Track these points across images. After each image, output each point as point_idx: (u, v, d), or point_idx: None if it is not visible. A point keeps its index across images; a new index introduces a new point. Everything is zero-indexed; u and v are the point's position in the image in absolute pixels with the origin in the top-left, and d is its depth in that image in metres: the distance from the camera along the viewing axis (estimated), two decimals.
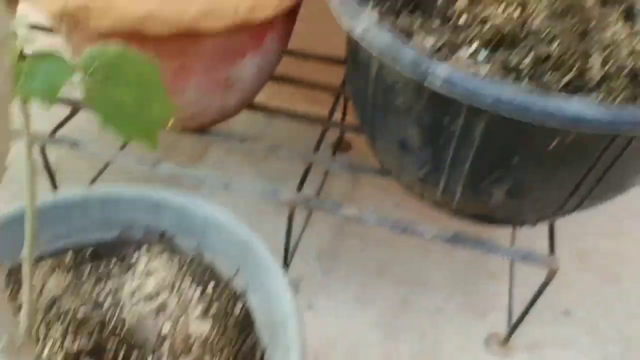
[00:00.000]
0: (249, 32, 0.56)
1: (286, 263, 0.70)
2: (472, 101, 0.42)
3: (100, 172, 0.73)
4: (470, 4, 0.52)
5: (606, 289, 0.77)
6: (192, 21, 0.50)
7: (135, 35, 0.51)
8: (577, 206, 0.53)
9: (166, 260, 0.48)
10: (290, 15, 0.62)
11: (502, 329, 0.71)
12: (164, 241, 0.49)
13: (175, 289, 0.46)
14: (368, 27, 0.46)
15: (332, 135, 0.90)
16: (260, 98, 0.75)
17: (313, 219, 0.82)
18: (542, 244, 0.84)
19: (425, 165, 0.53)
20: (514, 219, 0.60)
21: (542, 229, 0.85)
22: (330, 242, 0.82)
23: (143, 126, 0.43)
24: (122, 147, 0.73)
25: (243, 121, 1.00)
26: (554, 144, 0.45)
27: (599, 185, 0.50)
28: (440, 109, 0.47)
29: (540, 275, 0.61)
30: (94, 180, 0.73)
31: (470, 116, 0.46)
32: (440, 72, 0.42)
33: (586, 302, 0.76)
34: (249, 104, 0.75)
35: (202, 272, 0.47)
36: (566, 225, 0.86)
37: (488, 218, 0.59)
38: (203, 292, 0.46)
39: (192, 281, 0.47)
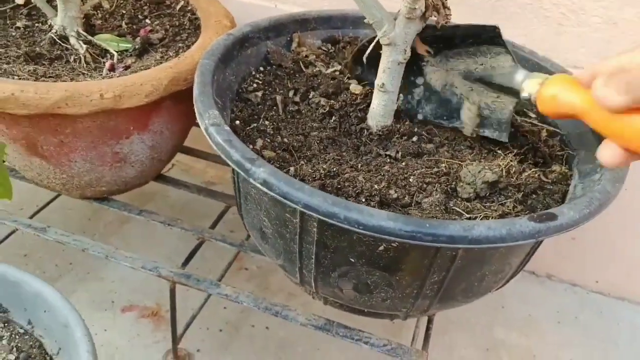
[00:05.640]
0: (125, 116, 0.59)
1: (174, 335, 0.70)
2: (289, 204, 0.43)
3: (9, 235, 0.74)
4: None
5: None
6: (53, 105, 0.53)
7: (4, 113, 0.54)
8: (430, 306, 0.52)
9: None
10: (182, 98, 0.64)
11: None
12: None
13: None
14: (210, 124, 0.48)
15: None
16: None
17: None
18: (459, 336, 0.82)
19: (280, 254, 0.54)
20: (378, 313, 0.59)
21: (460, 320, 0.84)
22: (237, 315, 0.81)
23: None
24: (32, 215, 0.74)
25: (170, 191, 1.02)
26: (380, 248, 0.45)
27: (444, 289, 0.49)
28: (281, 205, 0.48)
29: None
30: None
31: (304, 214, 0.47)
32: (260, 174, 0.43)
33: None
34: (160, 176, 0.77)
35: (29, 348, 0.48)
36: (480, 313, 0.85)
37: (354, 310, 0.59)
38: None
39: (17, 356, 0.47)
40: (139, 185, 0.74)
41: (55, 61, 0.68)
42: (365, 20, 0.59)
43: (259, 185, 0.43)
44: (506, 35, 0.71)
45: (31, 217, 0.72)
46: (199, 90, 0.54)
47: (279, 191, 0.42)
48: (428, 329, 0.62)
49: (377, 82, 0.60)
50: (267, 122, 0.61)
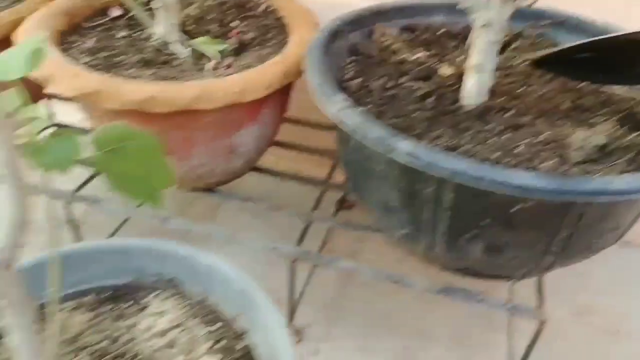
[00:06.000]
0: (243, 109, 0.64)
1: (292, 311, 0.75)
2: (434, 172, 0.47)
3: (120, 226, 0.80)
4: None
5: (605, 345, 0.78)
6: (188, 103, 0.58)
7: (142, 112, 0.59)
8: (553, 264, 0.56)
9: (175, 303, 0.54)
10: (283, 91, 0.69)
11: None
12: (173, 286, 0.55)
13: (184, 328, 0.52)
14: (341, 108, 0.53)
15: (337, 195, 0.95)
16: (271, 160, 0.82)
17: (320, 270, 0.86)
18: (547, 301, 0.85)
19: (406, 225, 0.58)
20: (498, 274, 0.63)
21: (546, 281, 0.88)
22: (336, 292, 0.86)
23: (146, 191, 0.51)
24: (139, 205, 0.80)
25: (256, 181, 1.07)
26: (516, 208, 0.50)
27: (568, 246, 0.53)
28: (413, 177, 0.53)
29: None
30: (113, 234, 0.80)
31: (440, 183, 0.51)
32: (404, 147, 0.48)
33: (583, 357, 0.77)
34: (255, 167, 0.82)
35: (207, 314, 0.53)
36: (562, 280, 0.88)
37: (474, 273, 0.63)
38: (209, 331, 0.52)
39: (199, 322, 0.53)
40: (240, 175, 0.79)
41: (165, 65, 0.73)
42: (458, 6, 0.63)
43: (405, 158, 0.48)
44: (571, 8, 0.74)
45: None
46: (319, 79, 0.59)
47: (426, 161, 0.47)
48: (540, 289, 0.66)
49: (473, 62, 0.64)
50: (369, 107, 0.66)
